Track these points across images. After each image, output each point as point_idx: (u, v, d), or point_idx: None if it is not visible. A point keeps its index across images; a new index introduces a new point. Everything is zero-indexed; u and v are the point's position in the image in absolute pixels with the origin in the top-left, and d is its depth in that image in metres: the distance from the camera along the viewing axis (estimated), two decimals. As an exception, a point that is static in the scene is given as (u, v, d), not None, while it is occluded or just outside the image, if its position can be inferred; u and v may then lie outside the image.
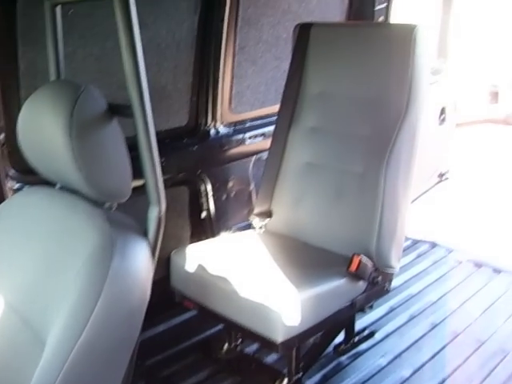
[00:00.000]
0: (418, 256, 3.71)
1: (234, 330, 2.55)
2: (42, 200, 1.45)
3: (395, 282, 2.75)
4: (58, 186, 1.44)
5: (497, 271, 3.50)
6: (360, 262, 2.24)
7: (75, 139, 1.24)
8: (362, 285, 2.32)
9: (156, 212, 1.33)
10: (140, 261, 1.27)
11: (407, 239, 3.73)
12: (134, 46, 1.28)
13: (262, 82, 3.10)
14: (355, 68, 2.57)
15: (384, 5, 3.44)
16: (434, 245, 3.87)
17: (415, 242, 3.87)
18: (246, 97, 3.05)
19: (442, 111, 3.90)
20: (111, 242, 1.22)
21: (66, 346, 1.14)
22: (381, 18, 3.43)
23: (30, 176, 2.17)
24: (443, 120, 3.91)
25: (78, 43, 2.31)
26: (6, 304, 1.34)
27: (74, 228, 1.30)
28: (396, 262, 2.45)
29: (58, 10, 1.72)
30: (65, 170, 1.29)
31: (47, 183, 1.46)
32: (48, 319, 1.21)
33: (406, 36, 2.39)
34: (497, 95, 9.02)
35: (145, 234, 1.34)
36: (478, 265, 3.58)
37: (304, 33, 2.70)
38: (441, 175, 4.11)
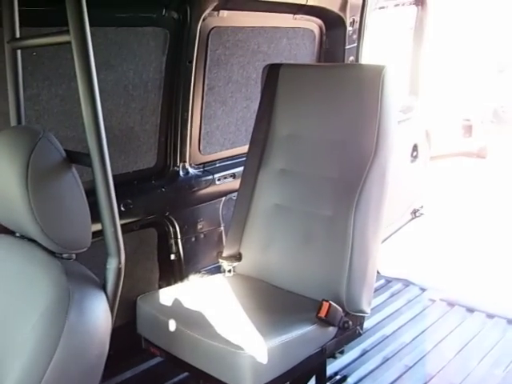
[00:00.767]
0: (392, 295, 3.69)
1: (201, 378, 2.48)
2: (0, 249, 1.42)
3: (368, 323, 2.73)
4: (18, 234, 1.41)
5: (470, 310, 3.49)
6: (329, 307, 2.19)
7: (31, 190, 1.21)
8: (332, 330, 2.27)
9: (115, 263, 1.30)
10: (97, 315, 1.24)
11: (380, 278, 3.72)
12: (92, 91, 1.26)
13: (231, 123, 3.09)
14: (324, 109, 2.56)
15: (354, 45, 3.45)
16: (407, 283, 3.86)
17: (388, 281, 3.85)
18: (215, 137, 3.03)
19: (414, 148, 3.92)
20: (68, 295, 1.18)
21: None
22: (351, 58, 3.44)
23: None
24: (415, 157, 3.93)
25: (42, 85, 2.28)
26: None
27: (30, 280, 1.26)
28: (367, 305, 2.41)
29: (19, 53, 1.70)
30: (21, 219, 1.26)
31: (6, 230, 1.42)
32: (2, 374, 1.16)
33: (374, 76, 2.39)
34: (470, 129, 9.16)
35: (104, 285, 1.30)
36: (452, 304, 3.57)
37: (273, 73, 2.70)
38: (414, 212, 4.12)
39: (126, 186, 2.56)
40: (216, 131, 3.02)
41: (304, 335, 2.17)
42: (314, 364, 2.39)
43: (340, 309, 2.26)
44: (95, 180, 1.28)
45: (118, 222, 1.31)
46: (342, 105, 2.51)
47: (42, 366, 1.11)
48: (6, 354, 1.19)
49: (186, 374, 2.71)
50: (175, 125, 2.82)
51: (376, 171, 2.36)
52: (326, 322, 2.22)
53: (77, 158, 1.33)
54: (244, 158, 2.78)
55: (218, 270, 2.72)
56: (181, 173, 2.88)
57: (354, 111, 2.46)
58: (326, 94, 2.57)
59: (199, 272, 2.73)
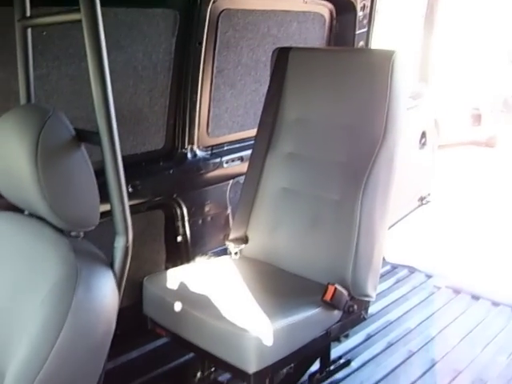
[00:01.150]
0: (397, 281, 3.69)
1: (207, 359, 2.51)
2: (8, 226, 1.43)
3: (373, 309, 2.73)
4: (27, 212, 1.42)
5: (475, 298, 3.49)
6: (335, 291, 2.20)
7: (41, 168, 1.21)
8: (337, 314, 2.29)
9: (123, 242, 1.31)
10: (105, 293, 1.25)
11: (386, 264, 3.72)
12: (102, 71, 1.26)
13: (240, 106, 3.08)
14: (333, 93, 2.56)
15: (365, 30, 3.43)
16: (413, 270, 3.86)
17: (394, 267, 3.85)
18: (223, 120, 3.02)
19: (423, 135, 3.91)
20: (75, 272, 1.19)
21: (25, 378, 1.11)
22: (361, 43, 3.43)
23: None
24: (424, 144, 3.92)
25: (52, 64, 2.28)
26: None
27: (38, 257, 1.27)
28: (372, 290, 2.42)
29: (29, 32, 1.70)
30: (30, 197, 1.27)
31: (16, 208, 1.43)
32: (9, 351, 1.18)
33: (384, 61, 2.38)
34: (479, 118, 9.12)
35: (111, 264, 1.31)
36: (457, 291, 3.57)
37: (282, 57, 2.69)
38: (421, 199, 4.11)
39: (134, 167, 2.56)
40: (224, 114, 3.02)
41: (309, 318, 2.18)
42: (319, 347, 2.41)
43: (345, 293, 2.27)
44: (104, 158, 1.28)
45: (127, 201, 1.32)
46: (351, 89, 2.50)
47: (49, 341, 1.12)
48: (14, 329, 1.20)
49: (191, 354, 2.72)
50: (184, 107, 2.82)
51: (384, 156, 2.35)
52: (331, 305, 2.23)
53: (86, 136, 1.33)
54: (252, 142, 2.78)
55: (224, 252, 2.73)
56: (189, 155, 2.88)
57: (363, 96, 2.45)
58: (335, 79, 2.56)
59: (206, 254, 2.74)
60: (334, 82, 2.55)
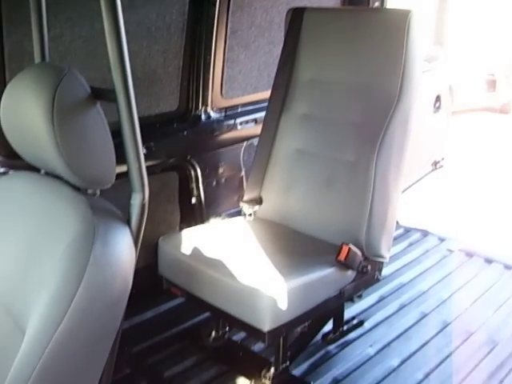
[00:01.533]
0: (410, 244, 3.69)
1: (222, 317, 2.53)
2: (25, 185, 1.44)
3: (386, 271, 2.74)
4: (43, 171, 1.42)
5: (488, 261, 3.49)
6: (349, 251, 2.21)
7: (57, 125, 1.21)
8: (350, 274, 2.30)
9: (139, 199, 1.31)
10: (122, 248, 1.25)
11: (399, 227, 3.72)
12: (117, 28, 1.25)
13: (254, 67, 3.06)
14: (348, 53, 2.54)
15: (380, -11, 3.39)
16: (426, 233, 3.86)
17: (407, 231, 3.85)
18: (237, 82, 3.01)
19: (437, 99, 3.87)
20: (93, 228, 1.20)
21: (44, 334, 1.12)
22: (376, 4, 3.38)
23: (15, 161, 2.14)
24: (438, 108, 3.89)
25: (65, 25, 2.27)
26: (-12, 293, 1.32)
27: (56, 214, 1.28)
28: (386, 251, 2.43)
29: (43, -8, 1.69)
30: (47, 155, 1.27)
31: (32, 168, 1.43)
32: (28, 307, 1.19)
33: (400, 22, 2.35)
34: (494, 84, 9.01)
35: (128, 221, 1.32)
36: (470, 254, 3.57)
37: (297, 17, 2.67)
38: (435, 163, 4.09)
39: (148, 128, 2.55)
40: (238, 76, 3.00)
41: (323, 278, 2.20)
42: (332, 307, 2.43)
43: (359, 253, 2.28)
44: (120, 116, 1.28)
45: (143, 158, 1.31)
46: (366, 49, 2.48)
47: (68, 295, 1.13)
48: (33, 286, 1.21)
49: (205, 314, 2.76)
50: (197, 68, 2.80)
51: (399, 117, 2.34)
52: (345, 265, 2.24)
53: (102, 94, 1.33)
54: (266, 103, 2.76)
55: (238, 214, 2.74)
56: (203, 117, 2.88)
57: (378, 56, 2.43)
58: (350, 39, 2.54)
59: (220, 216, 2.75)
60: (349, 42, 2.53)
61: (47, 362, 1.11)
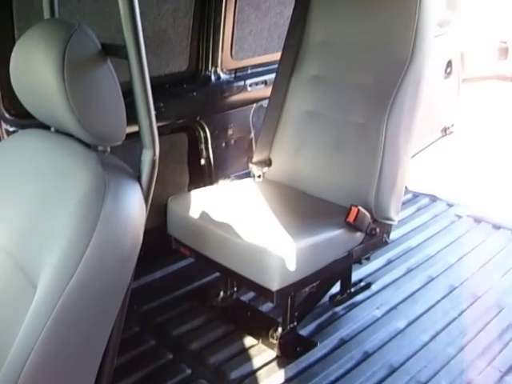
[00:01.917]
0: (418, 209, 3.69)
1: (230, 277, 2.56)
2: (36, 142, 1.43)
3: (394, 235, 2.74)
4: (53, 129, 1.42)
5: (496, 227, 3.48)
6: (358, 212, 2.22)
7: (68, 80, 1.20)
8: (359, 236, 2.31)
9: (150, 155, 1.30)
10: (132, 204, 1.25)
11: (407, 192, 3.71)
12: None
13: (264, 28, 3.03)
14: (360, 14, 2.51)
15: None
16: (434, 199, 3.84)
17: (416, 196, 3.85)
18: (247, 43, 2.99)
19: (449, 64, 3.83)
20: (104, 184, 1.20)
21: (56, 288, 1.13)
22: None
23: (25, 119, 2.15)
24: (449, 73, 3.85)
25: (74, -17, 2.25)
26: (0, 248, 1.33)
27: (67, 170, 1.28)
28: (395, 214, 2.43)
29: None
30: (58, 111, 1.26)
31: (42, 126, 1.43)
32: (40, 262, 1.20)
33: None
34: (506, 52, 8.89)
35: (138, 178, 1.32)
36: (478, 220, 3.56)
37: (309, -23, 2.63)
38: (445, 129, 4.07)
39: (157, 89, 2.51)
40: (248, 37, 2.98)
41: (332, 239, 2.21)
42: (340, 268, 2.44)
43: (368, 215, 2.28)
44: (131, 72, 1.26)
45: (153, 114, 1.31)
46: (379, 11, 2.45)
47: (79, 250, 1.14)
48: (44, 241, 1.21)
49: (214, 275, 2.78)
50: (207, 28, 2.78)
51: (411, 78, 2.32)
52: (353, 227, 2.25)
53: (112, 49, 1.31)
54: (276, 65, 2.74)
55: (247, 175, 2.75)
56: (212, 77, 2.87)
57: (391, 18, 2.41)
58: (362, 0, 2.50)
59: (229, 177, 2.74)
60: (361, 2, 2.50)
61: (58, 317, 1.12)
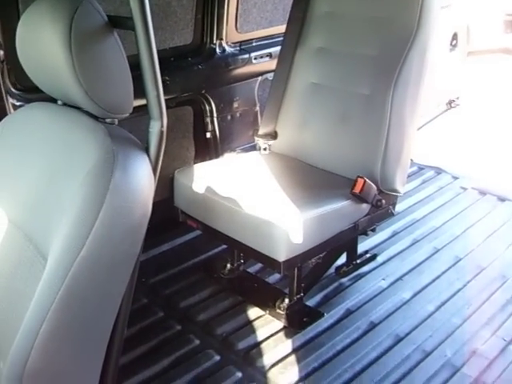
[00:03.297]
0: (423, 182, 3.69)
1: (237, 249, 2.57)
2: (43, 116, 1.43)
3: (399, 207, 2.75)
4: (60, 102, 1.42)
5: (501, 199, 3.48)
6: (364, 183, 2.22)
7: (75, 52, 1.20)
8: (365, 207, 2.32)
9: (158, 127, 1.31)
10: (141, 175, 1.26)
11: (413, 165, 3.71)
12: None
13: (269, 1, 3.02)
14: (366, -14, 2.49)
15: None
16: (439, 171, 3.84)
17: (421, 168, 3.84)
18: (252, 15, 2.97)
19: (454, 37, 3.82)
20: (112, 155, 1.20)
21: (66, 260, 1.14)
22: None
23: (31, 93, 2.15)
24: (455, 46, 3.83)
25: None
26: (10, 220, 1.34)
27: (75, 142, 1.28)
28: (400, 185, 2.44)
29: None
30: (65, 84, 1.26)
31: (49, 100, 1.43)
32: (50, 234, 1.20)
33: None
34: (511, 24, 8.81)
35: (146, 149, 1.33)
36: (483, 192, 3.56)
37: None
38: (450, 102, 4.06)
39: (162, 62, 2.51)
40: (253, 9, 2.96)
41: (338, 210, 2.22)
42: (346, 239, 2.46)
43: (374, 186, 2.29)
44: (138, 43, 1.26)
45: (161, 85, 1.31)
46: (384, -19, 2.44)
47: (89, 220, 1.14)
48: (54, 212, 1.22)
49: (221, 247, 2.81)
50: (212, 1, 2.77)
51: (417, 51, 2.31)
52: (359, 198, 2.26)
53: (119, 21, 1.31)
54: (281, 38, 2.74)
55: (253, 148, 2.76)
56: (217, 50, 2.86)
57: (396, -13, 2.39)
58: (368, -30, 2.49)
59: (235, 150, 2.75)
60: (367, -27, 2.49)
61: (70, 287, 1.13)
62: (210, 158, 2.80)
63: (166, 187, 2.37)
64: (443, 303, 2.55)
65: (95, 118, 1.31)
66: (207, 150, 2.93)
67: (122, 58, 1.30)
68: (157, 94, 1.30)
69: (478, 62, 6.94)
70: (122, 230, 1.22)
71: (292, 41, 2.65)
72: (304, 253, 2.16)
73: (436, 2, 2.38)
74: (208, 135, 2.92)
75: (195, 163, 2.89)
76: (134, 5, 1.24)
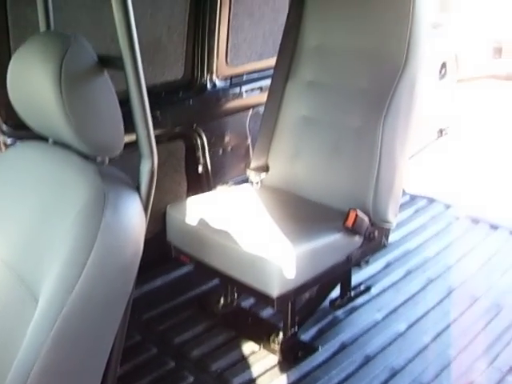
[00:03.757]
0: (416, 211, 3.69)
1: (230, 284, 2.56)
2: (34, 154, 1.44)
3: (392, 237, 2.74)
4: (51, 140, 1.42)
5: (494, 227, 3.49)
6: (356, 216, 2.23)
7: (65, 92, 1.21)
8: (358, 240, 2.32)
9: (148, 165, 1.31)
10: (132, 214, 1.26)
11: (405, 194, 3.72)
12: None
13: (259, 35, 3.05)
14: (354, 19, 2.51)
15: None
16: (431, 200, 3.85)
17: (413, 198, 3.85)
18: (242, 49, 3.00)
19: (443, 66, 3.86)
20: (103, 195, 1.20)
21: (58, 301, 1.13)
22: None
23: (22, 131, 2.14)
24: (444, 75, 3.88)
25: (69, -7, 2.25)
26: (1, 260, 1.33)
27: (66, 182, 1.28)
28: (393, 216, 2.44)
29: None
30: (55, 123, 1.26)
31: (40, 138, 1.44)
32: (41, 275, 1.20)
33: None
34: (500, 51, 8.92)
35: (137, 188, 1.32)
36: (476, 221, 3.57)
37: (302, -17, 2.64)
38: (440, 131, 4.09)
39: (153, 97, 2.52)
40: (243, 43, 2.99)
41: (331, 243, 2.22)
42: (340, 272, 2.45)
43: (366, 219, 2.29)
44: (127, 82, 1.27)
45: (151, 124, 1.31)
46: (372, 15, 2.46)
47: (80, 261, 1.14)
48: (45, 252, 1.21)
49: (214, 282, 2.79)
50: (202, 36, 2.80)
51: (406, 82, 2.33)
52: (352, 231, 2.26)
53: (109, 61, 1.32)
54: (271, 71, 2.75)
55: (245, 181, 2.75)
56: (208, 85, 2.88)
57: (384, 21, 2.42)
58: (356, 4, 2.52)
59: (226, 184, 2.75)
60: (355, 7, 2.51)
61: (61, 328, 1.12)
62: (203, 192, 2.79)
63: (158, 222, 2.36)
64: (438, 334, 2.53)
65: (86, 157, 1.31)
66: (199, 183, 2.93)
67: (112, 98, 1.31)
68: (147, 133, 1.30)
69: (468, 89, 7.01)
70: (113, 270, 1.21)
71: (282, 74, 2.67)
72: (297, 287, 2.15)
73: (424, 35, 2.40)
74: (200, 169, 2.92)
75: (188, 197, 2.89)
76: (123, 45, 1.25)
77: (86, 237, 1.15)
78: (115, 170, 1.36)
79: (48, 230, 1.24)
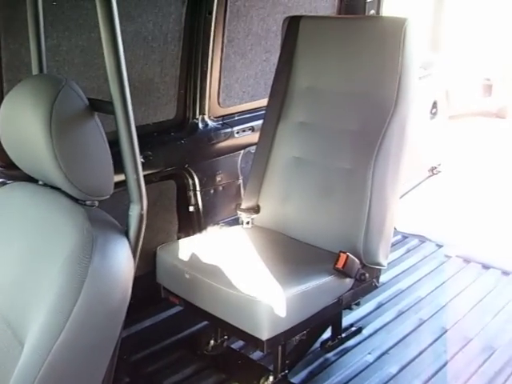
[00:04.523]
0: (408, 251, 3.70)
1: (220, 326, 2.54)
2: (23, 197, 1.43)
3: (384, 278, 2.74)
4: (41, 182, 1.42)
5: (486, 267, 3.49)
6: (347, 258, 2.22)
7: (55, 136, 1.21)
8: (348, 282, 2.31)
9: (137, 210, 1.31)
10: (120, 260, 1.25)
11: (397, 234, 3.72)
12: (114, 40, 1.25)
13: (251, 76, 3.07)
14: (344, 62, 2.54)
15: (375, -2, 3.40)
16: (423, 240, 3.86)
17: (405, 237, 3.86)
18: (234, 90, 3.02)
19: (434, 105, 3.89)
20: (91, 240, 1.20)
21: (43, 346, 1.12)
22: (372, 12, 3.39)
23: (12, 171, 2.15)
24: (435, 114, 3.90)
25: (62, 35, 2.27)
26: (-13, 304, 1.32)
27: (54, 225, 1.28)
28: (384, 258, 2.43)
29: (40, 2, 1.69)
30: (45, 167, 1.27)
31: (30, 178, 1.44)
32: (27, 319, 1.19)
33: (396, 29, 2.36)
34: (490, 88, 9.02)
35: (126, 232, 1.32)
36: (467, 260, 3.57)
37: (293, 25, 2.68)
38: (432, 169, 4.10)
39: (145, 137, 2.57)
40: (235, 84, 3.02)
41: (321, 286, 2.20)
42: (331, 314, 2.43)
43: (357, 260, 2.29)
44: (118, 127, 1.28)
45: (141, 169, 1.32)
46: (362, 57, 2.49)
47: (67, 308, 1.13)
48: (32, 299, 1.20)
49: (204, 323, 2.76)
50: (194, 77, 2.82)
51: (396, 124, 2.35)
52: (343, 273, 2.25)
53: (99, 105, 1.33)
54: (263, 112, 2.78)
55: (236, 222, 2.75)
56: (200, 125, 2.89)
57: (374, 64, 2.44)
58: (346, 47, 2.55)
59: (218, 224, 2.74)
60: (346, 50, 2.54)
61: (46, 374, 1.11)
62: (194, 232, 2.80)
63: (148, 262, 2.36)
64: (430, 378, 2.51)
65: (75, 199, 1.31)
66: (190, 223, 2.93)
67: (102, 142, 1.31)
68: (136, 178, 1.31)
69: (459, 126, 7.07)
70: (101, 316, 1.20)
71: (274, 115, 2.68)
72: (288, 330, 2.13)
73: (414, 75, 2.43)
74: (191, 209, 2.92)
75: (178, 237, 2.89)
76: (113, 90, 1.26)
77: (72, 283, 1.15)
78: (104, 213, 1.36)
79: (35, 274, 1.24)
